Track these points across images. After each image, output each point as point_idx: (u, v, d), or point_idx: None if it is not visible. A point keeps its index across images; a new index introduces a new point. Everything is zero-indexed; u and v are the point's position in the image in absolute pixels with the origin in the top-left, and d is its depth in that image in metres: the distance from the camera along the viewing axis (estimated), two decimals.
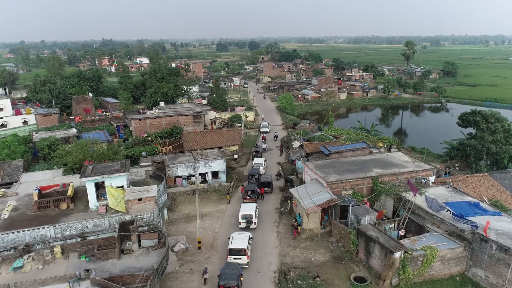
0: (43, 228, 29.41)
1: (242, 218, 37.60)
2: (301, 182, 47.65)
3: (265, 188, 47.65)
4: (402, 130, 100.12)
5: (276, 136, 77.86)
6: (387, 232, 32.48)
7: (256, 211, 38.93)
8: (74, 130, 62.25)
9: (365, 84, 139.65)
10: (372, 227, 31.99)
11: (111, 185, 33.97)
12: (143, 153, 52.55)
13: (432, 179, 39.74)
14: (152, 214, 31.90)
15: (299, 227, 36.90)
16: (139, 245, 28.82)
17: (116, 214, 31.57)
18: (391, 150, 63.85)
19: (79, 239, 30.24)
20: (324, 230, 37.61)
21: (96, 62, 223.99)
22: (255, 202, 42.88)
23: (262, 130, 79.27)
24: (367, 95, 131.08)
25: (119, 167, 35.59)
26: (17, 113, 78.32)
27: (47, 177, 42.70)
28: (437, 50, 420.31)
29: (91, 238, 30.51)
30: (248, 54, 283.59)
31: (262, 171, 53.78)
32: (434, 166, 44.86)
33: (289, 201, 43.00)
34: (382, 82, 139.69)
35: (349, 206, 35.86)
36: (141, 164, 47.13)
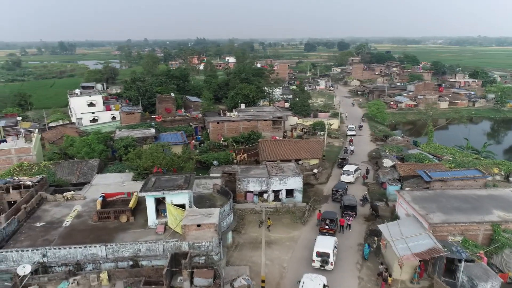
0: (94, 247, 26.80)
1: (316, 256, 31.30)
2: (392, 213, 39.60)
3: (348, 212, 40.56)
4: None
5: (361, 126, 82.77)
6: None
7: (334, 247, 32.32)
8: (152, 130, 61.79)
9: (472, 93, 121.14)
10: None
11: (171, 203, 30.48)
12: (214, 162, 49.15)
13: None
14: (211, 244, 27.47)
15: (389, 278, 29.37)
16: (191, 282, 24.52)
17: (172, 240, 27.77)
18: (510, 179, 51.64)
19: (130, 263, 27.11)
20: (419, 286, 29.49)
21: (188, 61, 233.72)
22: (334, 234, 36.26)
23: (349, 132, 75.87)
24: (474, 105, 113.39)
25: (182, 182, 31.96)
26: (107, 109, 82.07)
27: (117, 181, 41.36)
28: None
29: (143, 263, 27.18)
30: (337, 54, 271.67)
31: (350, 179, 50.63)
32: None
33: (375, 238, 35.41)
34: (494, 90, 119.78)
35: (460, 261, 27.40)
36: (211, 174, 43.54)
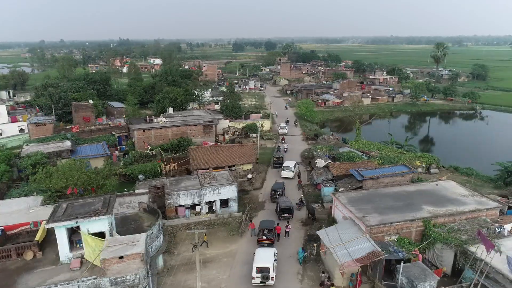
0: None
1: (256, 272, 29.28)
2: (329, 216, 39.13)
3: (285, 214, 40.31)
4: (433, 141, 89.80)
5: (287, 121, 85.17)
6: None
7: (274, 260, 30.58)
8: (68, 143, 55.08)
9: (391, 89, 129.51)
10: None
11: (88, 232, 26.32)
12: (140, 176, 44.81)
13: (508, 227, 30.62)
14: (138, 276, 23.98)
15: (332, 287, 28.43)
16: None
17: (89, 278, 23.76)
18: (431, 170, 54.84)
19: None
20: None
21: (110, 63, 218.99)
22: (273, 244, 34.69)
23: (281, 131, 76.49)
24: (393, 100, 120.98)
25: (100, 206, 27.84)
26: (13, 120, 72.26)
27: (22, 208, 35.31)
28: (461, 51, 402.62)
29: None
30: (264, 54, 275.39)
31: (290, 174, 52.18)
32: (499, 201, 35.69)
33: (314, 244, 34.47)
34: (409, 86, 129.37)
35: (398, 261, 27.36)
36: (137, 190, 39.38)
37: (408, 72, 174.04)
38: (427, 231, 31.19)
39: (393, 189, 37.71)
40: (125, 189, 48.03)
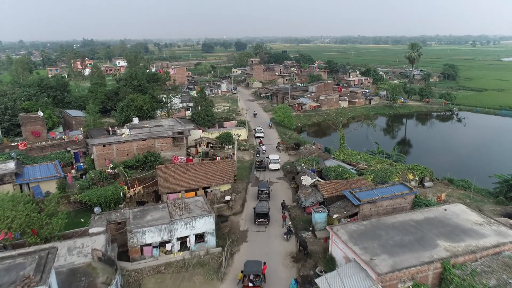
0: None
1: None
2: (325, 250, 33.38)
3: (261, 220, 39.50)
4: (415, 146, 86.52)
5: (255, 114, 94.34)
6: None
7: None
8: (11, 165, 46.51)
9: (367, 91, 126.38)
10: None
11: None
12: (95, 208, 37.26)
13: None
14: None
15: None
16: None
17: None
18: (425, 184, 50.49)
19: None
20: None
21: (72, 65, 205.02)
22: None
23: (257, 135, 76.46)
24: (370, 102, 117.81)
25: (32, 270, 20.63)
26: None
27: None
28: (426, 51, 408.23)
29: None
30: (235, 55, 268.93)
31: (277, 166, 56.28)
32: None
33: None
34: (385, 87, 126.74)
35: None
36: (91, 230, 31.99)
37: (380, 72, 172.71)
38: (446, 275, 26.00)
39: (398, 217, 32.35)
40: (81, 219, 40.74)
